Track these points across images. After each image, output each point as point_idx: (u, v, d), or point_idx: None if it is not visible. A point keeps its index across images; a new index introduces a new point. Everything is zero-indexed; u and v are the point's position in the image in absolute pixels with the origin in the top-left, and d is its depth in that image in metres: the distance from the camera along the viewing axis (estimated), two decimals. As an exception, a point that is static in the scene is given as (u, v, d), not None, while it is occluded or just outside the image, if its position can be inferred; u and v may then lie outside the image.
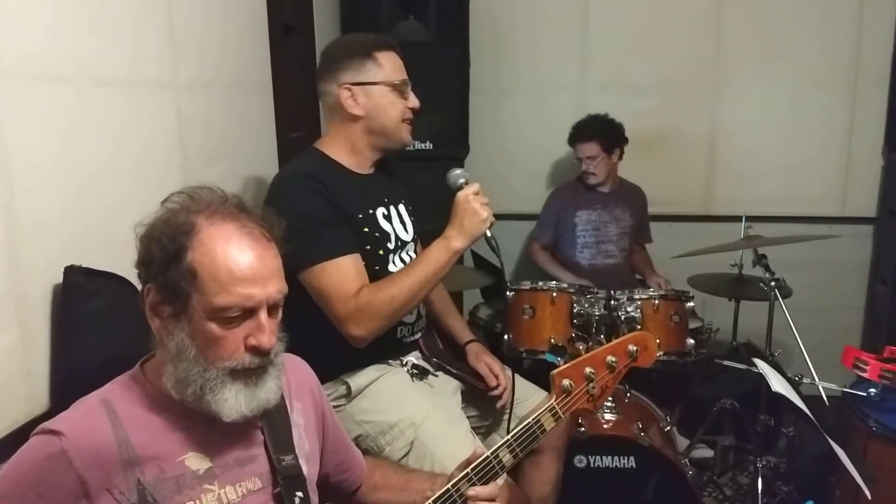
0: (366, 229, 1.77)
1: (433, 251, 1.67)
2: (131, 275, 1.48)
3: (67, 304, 1.43)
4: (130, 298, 1.52)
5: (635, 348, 1.40)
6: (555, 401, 1.32)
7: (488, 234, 1.68)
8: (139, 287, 1.48)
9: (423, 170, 2.58)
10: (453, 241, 1.66)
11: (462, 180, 1.72)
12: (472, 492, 1.24)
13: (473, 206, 1.66)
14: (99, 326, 1.46)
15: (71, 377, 1.42)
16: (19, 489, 1.01)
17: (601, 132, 3.15)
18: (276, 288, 1.10)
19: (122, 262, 1.50)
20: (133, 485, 1.04)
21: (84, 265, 1.46)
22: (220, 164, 2.13)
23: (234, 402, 1.08)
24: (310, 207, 1.67)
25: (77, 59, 1.51)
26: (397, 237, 1.84)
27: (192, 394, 1.07)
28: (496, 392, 1.91)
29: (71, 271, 1.43)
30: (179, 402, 1.09)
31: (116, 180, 1.63)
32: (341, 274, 1.66)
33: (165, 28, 1.85)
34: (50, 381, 1.43)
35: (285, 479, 1.17)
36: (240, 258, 1.07)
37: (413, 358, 1.87)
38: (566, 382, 1.33)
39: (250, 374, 1.10)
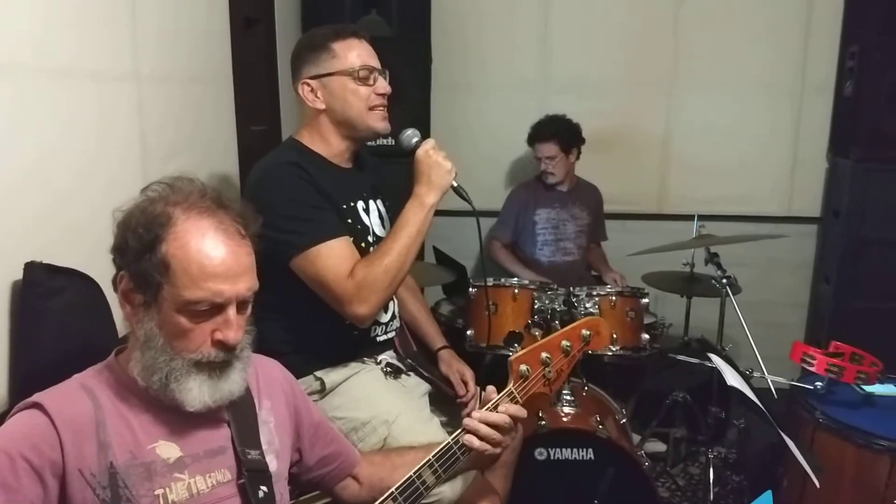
0: (348, 221, 1.76)
1: (409, 213, 1.68)
2: (88, 267, 1.47)
3: (27, 301, 1.38)
4: (92, 296, 1.50)
5: (588, 332, 1.43)
6: (513, 386, 1.35)
7: (454, 183, 1.71)
8: (98, 281, 1.48)
9: (385, 166, 2.57)
10: (425, 197, 1.68)
11: (416, 139, 1.75)
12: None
13: (436, 160, 1.69)
14: (60, 324, 1.42)
15: (31, 376, 1.37)
16: (14, 446, 1.01)
17: (560, 133, 3.21)
18: (246, 285, 1.12)
19: (79, 255, 1.49)
20: (105, 468, 1.05)
21: (45, 261, 1.42)
22: (181, 157, 2.09)
23: (197, 392, 1.10)
24: (297, 193, 1.65)
25: (31, 48, 1.46)
26: (373, 232, 1.84)
27: (158, 381, 1.09)
28: (464, 400, 1.94)
29: (31, 268, 1.39)
30: (145, 390, 1.10)
31: (73, 173, 1.59)
32: (336, 256, 1.63)
33: (127, 20, 1.80)
34: (9, 379, 1.39)
35: (250, 472, 1.18)
36: (213, 254, 1.08)
37: (387, 356, 1.87)
38: (523, 368, 1.36)
39: (214, 367, 1.11)
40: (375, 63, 1.77)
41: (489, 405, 1.32)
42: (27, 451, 1.00)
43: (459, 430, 1.31)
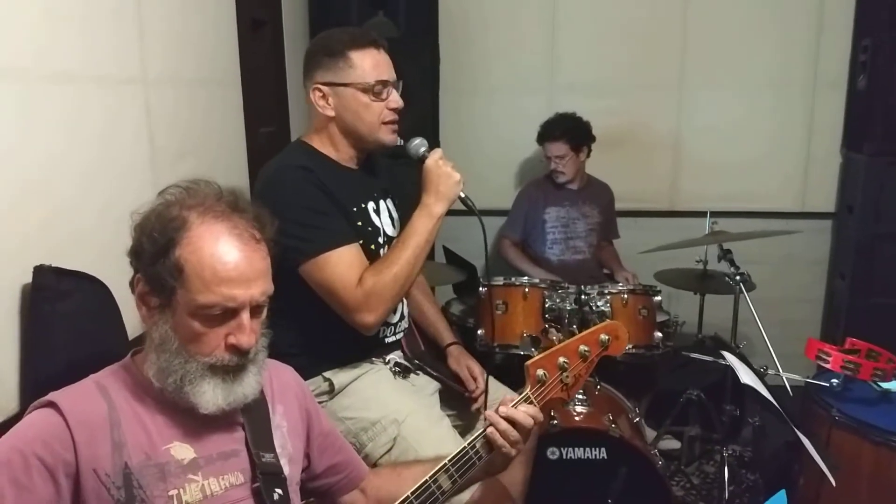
0: (359, 223, 1.75)
1: (418, 221, 1.68)
2: (97, 270, 1.48)
3: (37, 304, 1.39)
4: (102, 299, 1.51)
5: (607, 337, 1.41)
6: (530, 391, 1.33)
7: (462, 194, 1.72)
8: (108, 283, 1.48)
9: (394, 167, 2.57)
10: (434, 207, 1.68)
11: (423, 148, 1.75)
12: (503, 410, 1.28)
13: (445, 170, 1.69)
14: (69, 327, 1.43)
15: (41, 379, 1.38)
16: (27, 445, 1.02)
17: (569, 131, 3.18)
18: (260, 290, 1.12)
19: (88, 258, 1.50)
20: (120, 468, 1.05)
21: (53, 264, 1.42)
22: (190, 160, 2.10)
23: (211, 395, 1.10)
24: (307, 198, 1.65)
25: (38, 53, 1.47)
26: (384, 232, 1.83)
27: (173, 384, 1.10)
28: (475, 395, 1.93)
29: (40, 271, 1.39)
30: (160, 392, 1.11)
31: (80, 176, 1.59)
32: (345, 263, 1.63)
33: (133, 23, 1.81)
34: (19, 383, 1.40)
35: (265, 476, 1.18)
36: (226, 259, 1.09)
37: (395, 356, 1.87)
38: (540, 373, 1.34)
39: (228, 371, 1.12)
40: (391, 75, 1.74)
41: (509, 406, 1.31)
42: (40, 450, 1.01)
43: (476, 435, 1.29)
